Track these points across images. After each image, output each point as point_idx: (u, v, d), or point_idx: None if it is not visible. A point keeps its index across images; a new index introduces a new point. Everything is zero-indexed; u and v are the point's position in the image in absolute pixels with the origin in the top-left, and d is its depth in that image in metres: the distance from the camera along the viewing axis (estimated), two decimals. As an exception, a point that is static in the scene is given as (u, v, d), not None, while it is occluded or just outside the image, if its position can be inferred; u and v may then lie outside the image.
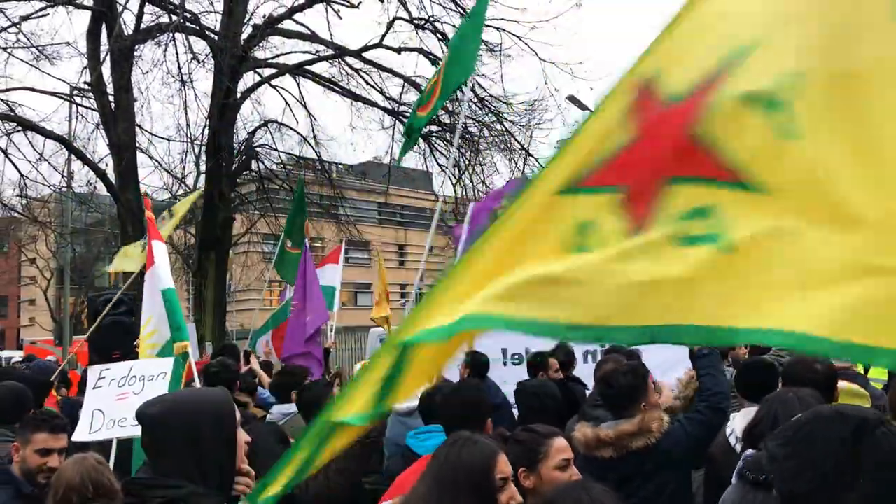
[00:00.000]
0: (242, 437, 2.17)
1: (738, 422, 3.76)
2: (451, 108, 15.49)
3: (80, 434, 4.34)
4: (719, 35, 1.34)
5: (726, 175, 1.26)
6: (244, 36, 14.16)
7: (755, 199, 1.22)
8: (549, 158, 1.54)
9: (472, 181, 17.46)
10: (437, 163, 16.45)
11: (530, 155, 15.74)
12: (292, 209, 12.16)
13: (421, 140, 16.21)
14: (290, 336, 8.55)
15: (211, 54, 14.01)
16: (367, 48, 14.76)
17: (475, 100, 14.50)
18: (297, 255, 11.30)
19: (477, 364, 6.23)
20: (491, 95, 14.80)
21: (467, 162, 16.38)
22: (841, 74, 1.18)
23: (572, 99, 24.44)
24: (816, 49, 1.22)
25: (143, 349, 5.51)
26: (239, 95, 14.54)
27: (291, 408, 5.17)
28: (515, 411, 5.12)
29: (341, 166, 20.92)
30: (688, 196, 1.30)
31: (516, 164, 15.97)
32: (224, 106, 13.75)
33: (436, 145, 16.31)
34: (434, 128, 15.96)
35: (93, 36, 13.94)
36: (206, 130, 14.51)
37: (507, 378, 7.49)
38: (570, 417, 4.45)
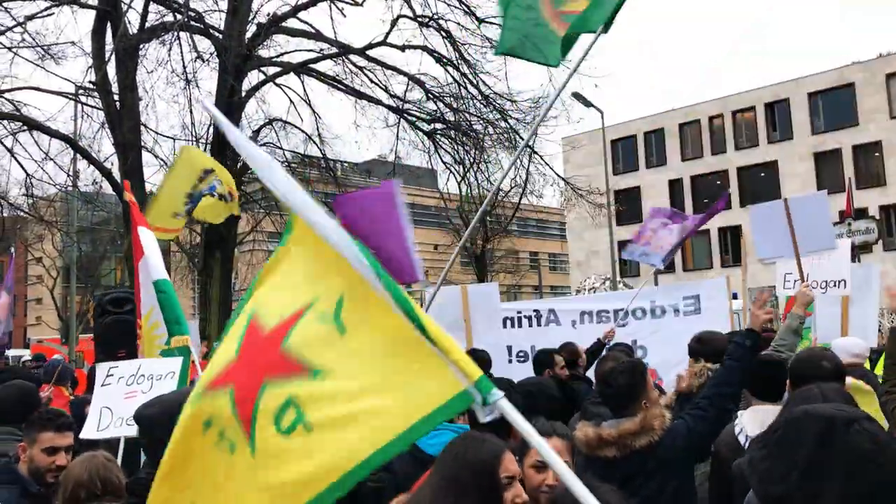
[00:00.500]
0: None
1: (747, 419, 3.75)
2: (455, 106, 15.47)
3: (88, 432, 4.35)
4: (295, 292, 1.98)
5: (298, 370, 1.82)
6: (248, 34, 14.15)
7: (317, 382, 1.78)
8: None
9: (476, 179, 17.45)
10: (442, 160, 16.44)
11: (535, 152, 15.71)
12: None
13: (425, 138, 16.21)
14: None
15: (215, 53, 14.01)
16: (371, 46, 14.74)
17: (480, 97, 14.47)
18: None
19: (478, 362, 6.22)
20: (495, 93, 14.76)
21: (472, 159, 16.35)
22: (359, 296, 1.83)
23: (577, 96, 24.40)
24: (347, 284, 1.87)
25: (148, 343, 5.40)
26: (243, 94, 14.53)
27: None
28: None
29: (346, 164, 20.88)
30: (276, 396, 1.81)
31: (521, 161, 15.94)
32: (229, 104, 13.74)
33: (440, 143, 16.29)
34: (439, 126, 15.94)
35: (98, 35, 13.95)
36: (211, 129, 14.51)
37: (513, 376, 7.54)
38: (573, 416, 4.45)
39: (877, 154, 37.37)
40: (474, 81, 14.15)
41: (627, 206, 44.21)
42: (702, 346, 4.90)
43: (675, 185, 43.54)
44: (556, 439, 2.93)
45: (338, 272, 1.87)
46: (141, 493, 2.02)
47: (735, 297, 20.73)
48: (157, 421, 2.06)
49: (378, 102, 15.70)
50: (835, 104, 38.60)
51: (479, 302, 8.36)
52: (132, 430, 4.25)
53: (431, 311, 8.61)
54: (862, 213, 23.84)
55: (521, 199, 20.69)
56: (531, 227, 49.25)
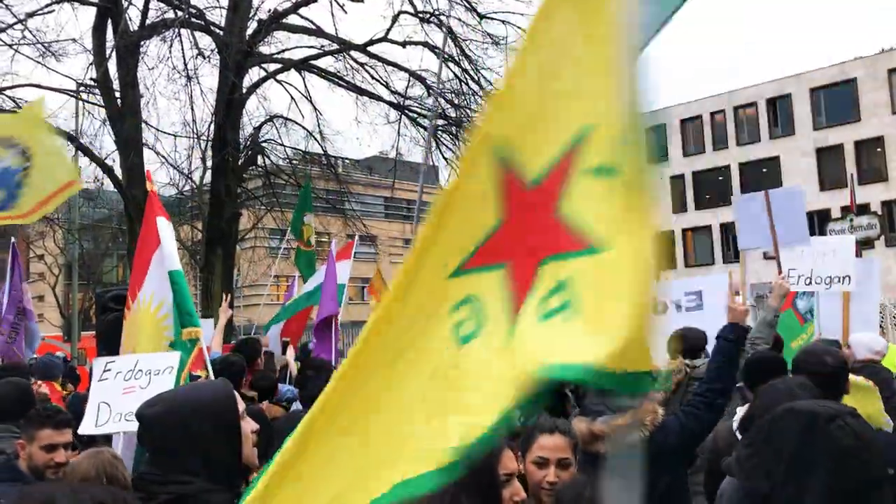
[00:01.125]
0: (248, 427, 2.13)
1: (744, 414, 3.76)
2: (457, 102, 15.46)
3: (86, 427, 4.33)
4: (559, 119, 1.53)
5: (578, 245, 1.45)
6: (249, 31, 14.15)
7: (599, 260, 1.42)
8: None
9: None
10: (443, 156, 16.43)
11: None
12: (298, 206, 12.29)
13: (427, 134, 16.22)
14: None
15: (216, 50, 14.01)
16: (371, 42, 14.73)
17: (481, 92, 14.45)
18: (311, 252, 11.52)
19: None
20: (497, 88, 14.77)
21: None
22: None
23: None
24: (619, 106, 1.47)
25: (156, 332, 5.23)
26: (244, 91, 14.53)
27: None
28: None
29: (347, 161, 20.88)
30: (552, 274, 1.48)
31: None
32: (230, 101, 13.74)
33: (442, 139, 16.28)
34: (440, 122, 15.94)
35: (98, 32, 13.95)
36: (212, 126, 14.51)
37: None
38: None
39: (879, 149, 37.29)
40: (475, 77, 14.12)
41: (629, 201, 44.23)
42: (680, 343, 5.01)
43: (676, 181, 43.50)
44: (558, 436, 2.93)
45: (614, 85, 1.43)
46: (145, 488, 2.00)
47: (737, 293, 20.62)
48: (157, 420, 2.04)
49: (379, 99, 15.70)
50: (837, 99, 38.51)
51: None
52: (131, 426, 4.25)
53: None
54: (864, 209, 23.81)
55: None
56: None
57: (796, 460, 1.64)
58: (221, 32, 13.94)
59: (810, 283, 7.08)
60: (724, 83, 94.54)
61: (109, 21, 13.83)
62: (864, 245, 18.38)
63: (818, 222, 36.09)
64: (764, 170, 40.41)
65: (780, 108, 40.47)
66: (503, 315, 1.52)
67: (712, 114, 42.50)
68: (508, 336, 1.49)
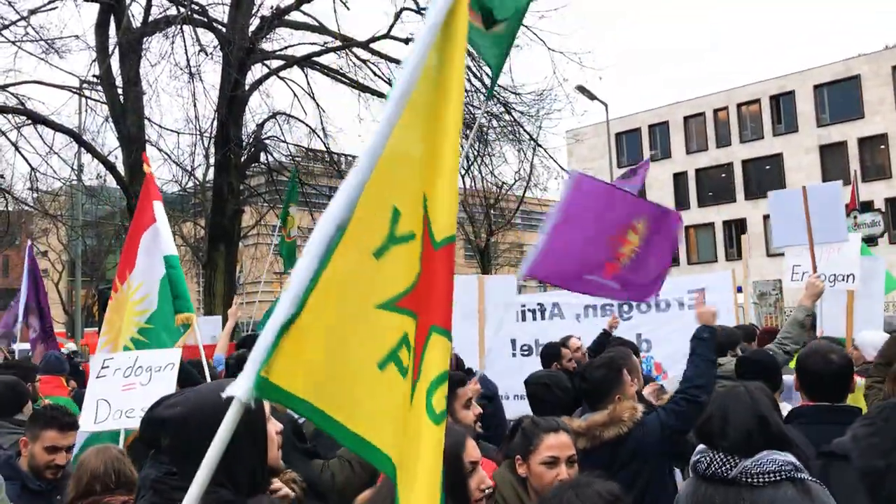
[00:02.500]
0: (273, 428, 2.06)
1: None
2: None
3: (86, 423, 4.32)
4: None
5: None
6: (252, 28, 14.12)
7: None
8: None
9: (480, 172, 17.40)
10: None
11: (539, 145, 15.66)
12: (286, 197, 12.51)
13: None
14: None
15: (219, 46, 13.99)
16: (374, 39, 14.69)
17: (483, 90, 14.42)
18: (293, 243, 11.64)
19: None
20: (499, 85, 14.71)
21: (476, 153, 16.31)
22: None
23: (581, 89, 24.33)
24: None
25: (127, 309, 5.13)
26: (247, 87, 14.51)
27: None
28: (523, 402, 5.10)
29: (351, 158, 20.85)
30: (438, 356, 1.54)
31: (525, 154, 15.90)
32: (232, 98, 13.73)
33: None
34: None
35: (101, 28, 13.95)
36: (215, 123, 14.50)
37: (517, 369, 7.52)
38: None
39: (882, 146, 37.18)
40: (478, 74, 14.09)
41: (632, 199, 44.12)
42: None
43: (679, 178, 43.42)
44: (563, 433, 2.93)
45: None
46: (166, 493, 1.93)
47: (739, 290, 20.61)
48: (179, 422, 1.94)
49: (382, 96, 15.66)
50: (840, 96, 38.40)
51: (496, 293, 8.33)
52: (132, 423, 4.25)
53: None
54: (867, 206, 23.74)
55: (525, 192, 20.62)
56: (536, 220, 49.09)
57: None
58: (224, 29, 13.92)
59: (815, 269, 7.04)
60: (728, 81, 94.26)
61: (112, 18, 13.83)
62: (868, 242, 18.34)
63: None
64: (767, 167, 40.31)
65: (783, 104, 40.36)
66: (408, 369, 1.59)
67: (715, 111, 42.39)
68: (408, 396, 1.56)
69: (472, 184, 19.77)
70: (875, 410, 1.88)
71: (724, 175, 41.87)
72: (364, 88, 15.55)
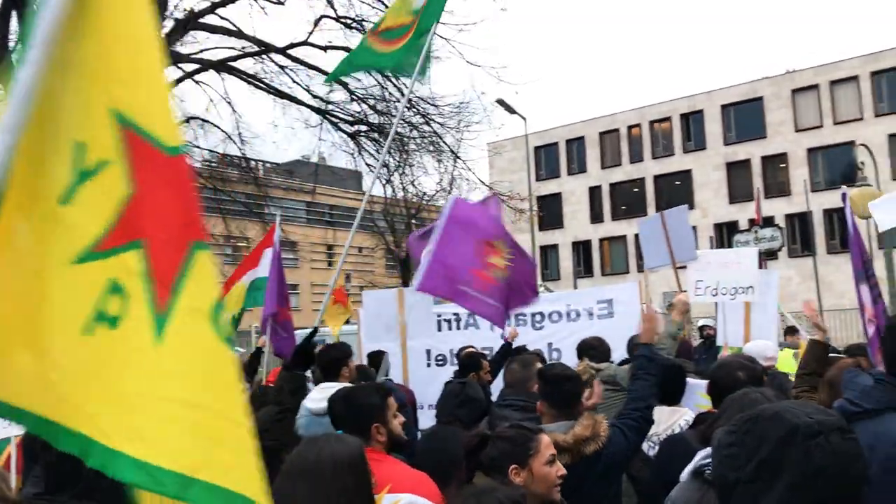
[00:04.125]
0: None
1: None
2: (380, 108, 15.42)
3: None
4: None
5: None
6: (166, 30, 13.74)
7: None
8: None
9: (401, 182, 17.43)
10: (366, 163, 16.36)
11: (458, 157, 15.81)
12: None
13: (349, 139, 16.09)
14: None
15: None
16: (292, 45, 14.54)
17: (403, 99, 14.48)
18: None
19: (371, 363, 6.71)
20: (418, 97, 14.79)
21: (396, 163, 16.34)
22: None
23: (501, 102, 24.71)
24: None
25: None
26: (160, 90, 14.08)
27: None
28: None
29: (267, 164, 20.53)
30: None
31: (445, 165, 16.03)
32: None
33: (365, 145, 16.21)
34: (363, 127, 15.86)
35: (2, 20, 13.29)
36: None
37: (431, 379, 7.54)
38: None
39: (783, 165, 39.23)
40: (397, 84, 14.13)
41: (549, 211, 45.08)
42: (589, 349, 5.35)
43: (594, 192, 44.63)
44: (545, 434, 3.01)
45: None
46: None
47: (649, 303, 21.24)
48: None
49: (300, 102, 15.50)
50: (745, 117, 40.32)
51: (415, 305, 8.35)
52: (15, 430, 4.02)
53: (369, 312, 8.53)
54: (769, 221, 24.97)
55: (446, 203, 20.71)
56: (455, 230, 49.71)
57: (766, 464, 1.68)
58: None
59: (716, 293, 7.40)
60: (640, 98, 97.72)
61: (14, 12, 13.20)
62: (767, 256, 19.28)
63: (727, 233, 37.75)
64: (677, 182, 41.90)
65: (692, 123, 42.09)
66: (146, 305, 1.33)
67: (629, 127, 43.83)
68: (155, 336, 1.31)
69: (394, 193, 19.78)
70: (741, 420, 1.90)
71: (636, 189, 43.29)
72: (282, 95, 15.35)
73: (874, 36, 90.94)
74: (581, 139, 45.41)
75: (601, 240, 43.80)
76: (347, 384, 4.35)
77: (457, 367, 6.81)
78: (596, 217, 44.36)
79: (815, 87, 38.09)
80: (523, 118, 25.82)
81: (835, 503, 1.66)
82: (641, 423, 3.68)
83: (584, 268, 44.00)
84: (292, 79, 15.18)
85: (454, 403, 4.27)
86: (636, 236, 42.88)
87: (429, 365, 8.43)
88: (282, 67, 15.08)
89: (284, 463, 2.32)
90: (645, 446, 3.92)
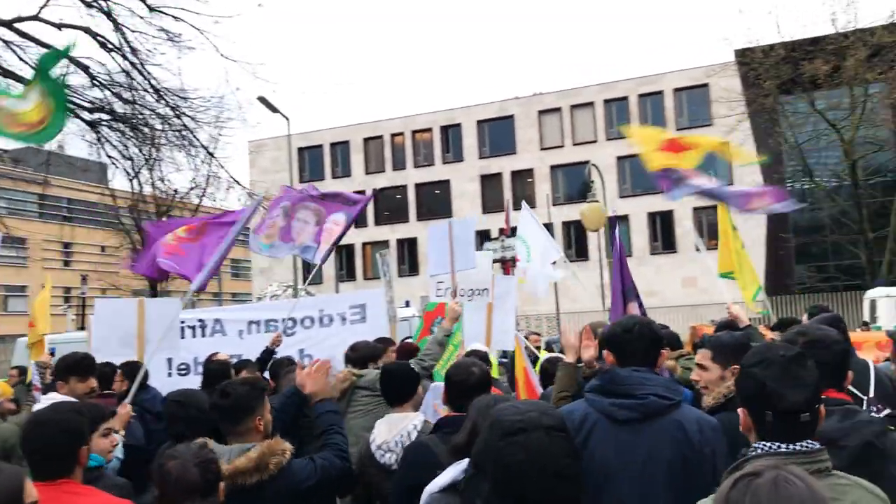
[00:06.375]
0: None
1: (380, 427, 4.00)
2: (125, 97, 14.22)
3: None
4: None
5: None
6: None
7: None
8: None
9: (150, 177, 16.28)
10: (108, 154, 15.00)
11: (211, 154, 15.08)
12: None
13: (89, 129, 14.64)
14: None
15: None
16: (21, 19, 12.93)
17: (150, 89, 13.49)
18: None
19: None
20: (166, 88, 13.86)
21: (146, 156, 15.22)
22: None
23: (262, 100, 24.04)
24: None
25: None
26: None
27: None
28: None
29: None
30: None
31: (196, 162, 15.20)
32: None
33: (107, 136, 14.85)
34: (104, 116, 14.52)
35: None
36: None
37: (173, 389, 7.05)
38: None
39: (529, 180, 42.54)
40: (144, 73, 13.14)
41: (313, 214, 44.71)
42: (352, 353, 5.25)
43: (358, 197, 45.06)
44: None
45: None
46: None
47: (407, 304, 21.87)
48: None
49: (24, 81, 13.81)
50: (498, 133, 43.19)
51: (157, 317, 7.74)
52: None
53: (101, 322, 7.70)
54: (515, 231, 26.92)
55: (201, 201, 19.73)
56: (213, 231, 47.42)
57: (478, 464, 1.82)
58: None
59: (455, 294, 7.83)
60: (405, 107, 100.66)
61: None
62: (513, 263, 20.74)
63: (480, 241, 40.05)
64: (437, 191, 43.72)
65: (451, 135, 44.18)
66: None
67: (393, 135, 44.91)
68: None
69: (141, 189, 18.41)
70: (484, 424, 2.00)
71: (399, 196, 44.46)
72: (7, 73, 13.57)
73: (609, 65, 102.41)
74: (346, 143, 45.67)
75: (364, 244, 44.35)
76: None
77: (201, 376, 6.44)
78: (359, 221, 44.75)
79: (558, 109, 41.82)
80: (286, 118, 25.34)
81: (537, 498, 1.74)
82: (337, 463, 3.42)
83: (346, 272, 44.21)
84: (20, 57, 13.50)
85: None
86: (399, 242, 44.12)
87: (170, 374, 7.89)
88: (7, 43, 13.34)
89: None
90: (378, 454, 3.92)
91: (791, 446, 1.98)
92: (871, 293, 21.89)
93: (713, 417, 2.84)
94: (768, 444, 2.00)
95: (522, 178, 42.54)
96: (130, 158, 14.92)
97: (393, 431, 3.91)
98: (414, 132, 44.58)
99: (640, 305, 7.11)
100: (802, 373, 2.04)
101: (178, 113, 14.06)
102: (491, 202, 41.93)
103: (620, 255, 7.55)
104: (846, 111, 26.81)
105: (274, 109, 23.33)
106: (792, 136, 29.77)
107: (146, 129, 14.46)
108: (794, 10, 47.22)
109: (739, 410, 2.11)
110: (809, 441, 2.01)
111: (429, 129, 44.31)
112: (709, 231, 38.02)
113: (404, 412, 4.05)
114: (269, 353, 7.17)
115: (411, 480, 3.12)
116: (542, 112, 42.25)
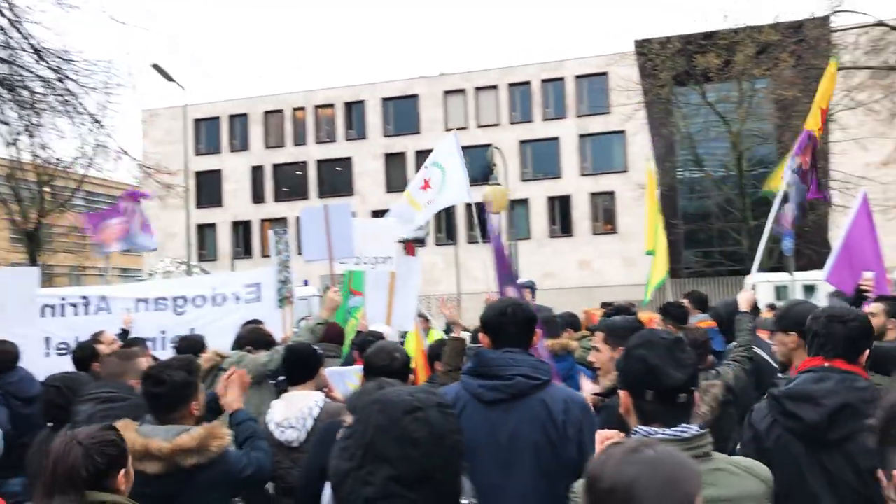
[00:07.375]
0: None
1: (278, 406, 3.96)
2: (1, 55, 13.16)
3: None
4: None
5: None
6: None
7: None
8: None
9: (31, 144, 15.23)
10: (-15, 121, 13.87)
11: (97, 121, 14.19)
12: None
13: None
14: None
15: None
16: None
17: (30, 50, 12.53)
18: None
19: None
20: (49, 50, 12.90)
21: (26, 122, 14.20)
22: None
23: (156, 67, 22.90)
24: None
25: None
26: None
27: None
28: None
29: None
30: None
31: (81, 130, 14.30)
32: None
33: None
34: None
35: None
36: None
37: (51, 370, 6.63)
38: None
39: (433, 160, 42.64)
40: (21, 31, 12.19)
41: (208, 188, 43.20)
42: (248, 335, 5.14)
43: (257, 171, 43.86)
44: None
45: None
46: None
47: (306, 283, 21.46)
48: None
49: None
50: (403, 111, 42.93)
51: (13, 288, 7.30)
52: None
53: None
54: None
55: (87, 171, 18.64)
56: (101, 203, 44.95)
57: (371, 447, 1.78)
58: None
59: (359, 262, 7.71)
60: (307, 81, 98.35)
61: None
62: (418, 243, 20.77)
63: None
64: (338, 168, 43.11)
65: (355, 112, 43.58)
66: None
67: (294, 109, 43.85)
68: None
69: (18, 156, 17.22)
70: (361, 413, 1.98)
71: (299, 172, 43.55)
72: None
73: (511, 49, 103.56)
74: (245, 116, 44.26)
75: (262, 220, 43.27)
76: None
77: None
78: (258, 197, 43.65)
79: (462, 91, 41.97)
80: (181, 87, 24.28)
81: (436, 472, 1.81)
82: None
83: (243, 248, 43.05)
84: None
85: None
86: (297, 219, 43.17)
87: (48, 354, 7.45)
88: None
89: None
90: (277, 431, 3.89)
91: (670, 432, 2.06)
92: (751, 278, 23.20)
93: (582, 396, 3.04)
94: (648, 429, 2.09)
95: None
96: (7, 123, 13.87)
97: (293, 409, 3.89)
98: (316, 107, 43.69)
99: (518, 289, 7.14)
100: (683, 356, 2.16)
101: (60, 76, 13.12)
102: (395, 181, 41.74)
103: (499, 242, 7.60)
104: (735, 104, 28.22)
105: (169, 78, 22.30)
106: (684, 127, 31.13)
107: (25, 92, 13.45)
108: (689, 4, 49.10)
109: (620, 392, 2.18)
110: (686, 425, 2.10)
111: (331, 105, 43.55)
112: (604, 216, 39.46)
113: (306, 390, 4.02)
114: (123, 333, 6.96)
115: (324, 461, 3.06)
116: (447, 92, 42.30)
